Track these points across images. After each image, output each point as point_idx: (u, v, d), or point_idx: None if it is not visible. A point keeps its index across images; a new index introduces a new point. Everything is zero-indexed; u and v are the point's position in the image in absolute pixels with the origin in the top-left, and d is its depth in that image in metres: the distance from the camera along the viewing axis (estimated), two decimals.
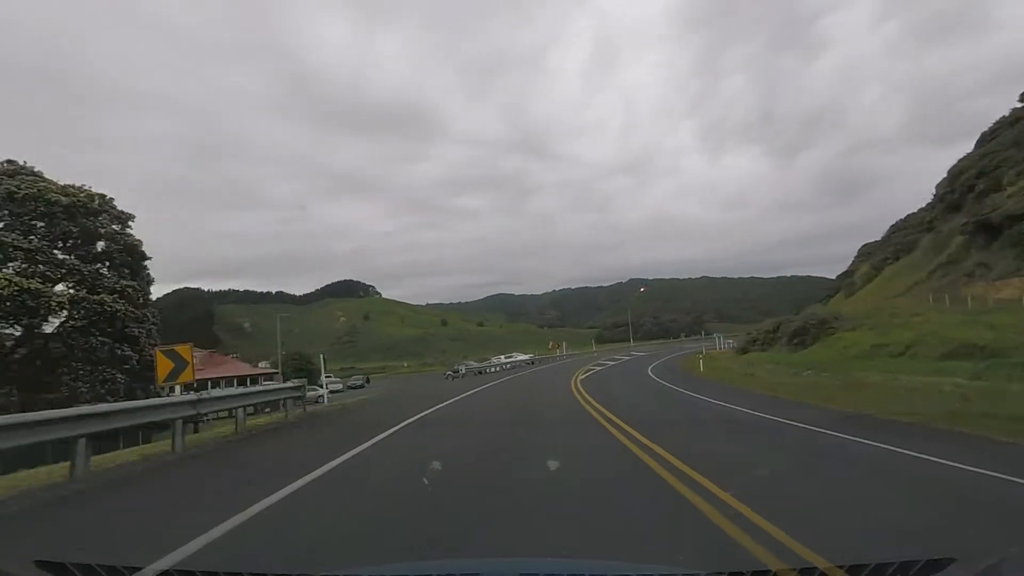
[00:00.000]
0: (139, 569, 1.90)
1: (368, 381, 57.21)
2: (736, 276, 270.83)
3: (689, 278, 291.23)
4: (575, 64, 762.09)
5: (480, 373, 38.39)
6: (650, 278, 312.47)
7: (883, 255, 41.21)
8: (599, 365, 35.66)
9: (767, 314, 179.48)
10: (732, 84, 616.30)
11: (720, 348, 45.29)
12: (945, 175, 39.19)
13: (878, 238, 55.74)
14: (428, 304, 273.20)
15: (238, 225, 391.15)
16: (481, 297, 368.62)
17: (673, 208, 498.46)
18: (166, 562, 3.56)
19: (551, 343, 61.15)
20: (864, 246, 54.23)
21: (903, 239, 38.82)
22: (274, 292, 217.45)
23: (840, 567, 1.67)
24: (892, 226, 52.18)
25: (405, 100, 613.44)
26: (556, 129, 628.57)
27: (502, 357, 51.11)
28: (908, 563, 1.61)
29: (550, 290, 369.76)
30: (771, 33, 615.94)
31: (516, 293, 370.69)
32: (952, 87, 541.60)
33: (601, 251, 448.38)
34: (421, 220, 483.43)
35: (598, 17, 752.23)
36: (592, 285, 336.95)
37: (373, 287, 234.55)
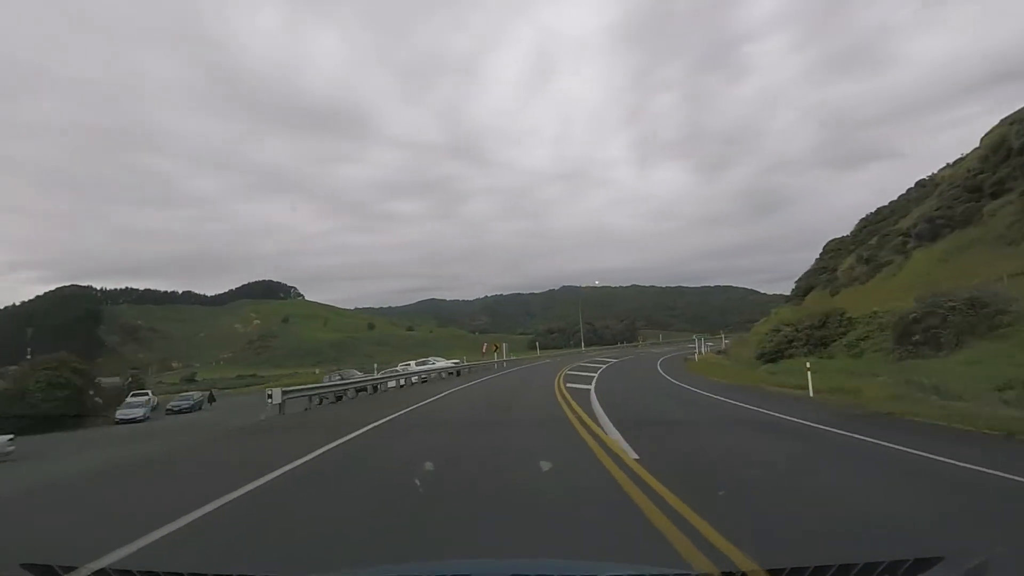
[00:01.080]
0: (129, 572, 1.81)
1: (213, 399, 43.19)
2: (664, 285, 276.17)
3: (620, 286, 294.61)
4: (512, 73, 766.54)
5: (339, 399, 20.87)
6: (581, 285, 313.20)
7: (898, 240, 36.02)
8: (612, 387, 19.42)
9: (694, 321, 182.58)
10: (663, 101, 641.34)
11: (701, 352, 40.57)
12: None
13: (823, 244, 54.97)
14: (357, 308, 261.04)
15: (147, 221, 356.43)
16: (413, 302, 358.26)
17: (605, 218, 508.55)
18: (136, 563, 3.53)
19: (485, 345, 46.61)
20: (831, 241, 52.40)
21: (947, 212, 32.20)
22: (180, 292, 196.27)
23: (829, 566, 1.61)
24: (862, 219, 50.16)
25: (340, 99, 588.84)
26: (491, 136, 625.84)
27: (412, 363, 34.65)
28: (897, 562, 1.59)
29: (482, 296, 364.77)
30: (699, 55, 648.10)
31: (448, 299, 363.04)
32: (854, 116, 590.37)
33: (534, 258, 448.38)
34: (353, 223, 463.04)
35: (537, 28, 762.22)
36: (524, 292, 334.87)
37: (295, 289, 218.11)
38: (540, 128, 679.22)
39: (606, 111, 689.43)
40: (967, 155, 40.83)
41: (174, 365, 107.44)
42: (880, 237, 39.52)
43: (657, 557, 3.53)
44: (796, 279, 54.93)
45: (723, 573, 2.08)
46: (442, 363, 33.74)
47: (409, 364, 34.51)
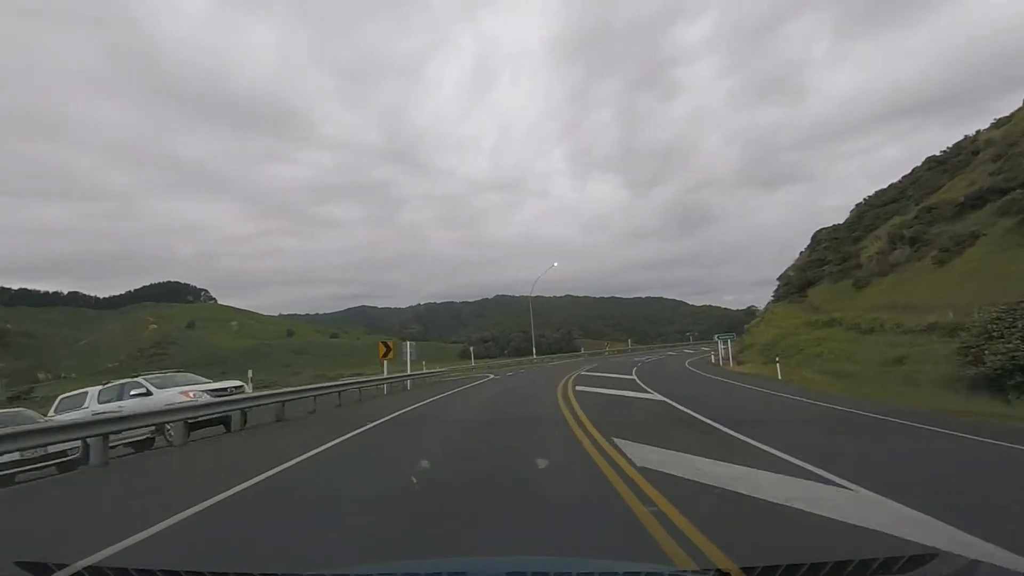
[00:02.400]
0: (124, 570, 1.74)
1: None
2: (597, 296, 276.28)
3: (554, 296, 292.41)
4: (454, 80, 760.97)
5: None
6: (516, 295, 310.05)
7: (950, 212, 30.67)
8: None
9: (628, 331, 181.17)
10: (599, 117, 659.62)
11: (721, 356, 34.99)
12: None
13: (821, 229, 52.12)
14: (281, 315, 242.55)
15: (42, 216, 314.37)
16: (342, 309, 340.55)
17: (540, 228, 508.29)
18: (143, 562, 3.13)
19: (383, 346, 25.37)
20: (821, 231, 49.32)
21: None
22: (66, 293, 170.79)
23: (823, 564, 1.61)
24: (860, 203, 46.99)
25: (273, 96, 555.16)
26: (431, 142, 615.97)
27: (172, 390, 13.05)
28: (891, 559, 1.58)
29: (415, 304, 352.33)
30: (635, 75, 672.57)
31: (379, 306, 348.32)
32: (773, 140, 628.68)
33: (468, 267, 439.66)
34: (282, 225, 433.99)
35: (481, 38, 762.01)
36: (457, 300, 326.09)
37: (207, 292, 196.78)
38: (480, 137, 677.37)
39: (544, 124, 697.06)
40: (1017, 111, 37.37)
41: (40, 376, 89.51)
42: (921, 211, 34.18)
43: None
44: (779, 276, 51.05)
45: (716, 571, 1.88)
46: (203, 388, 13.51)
47: (167, 390, 13.20)
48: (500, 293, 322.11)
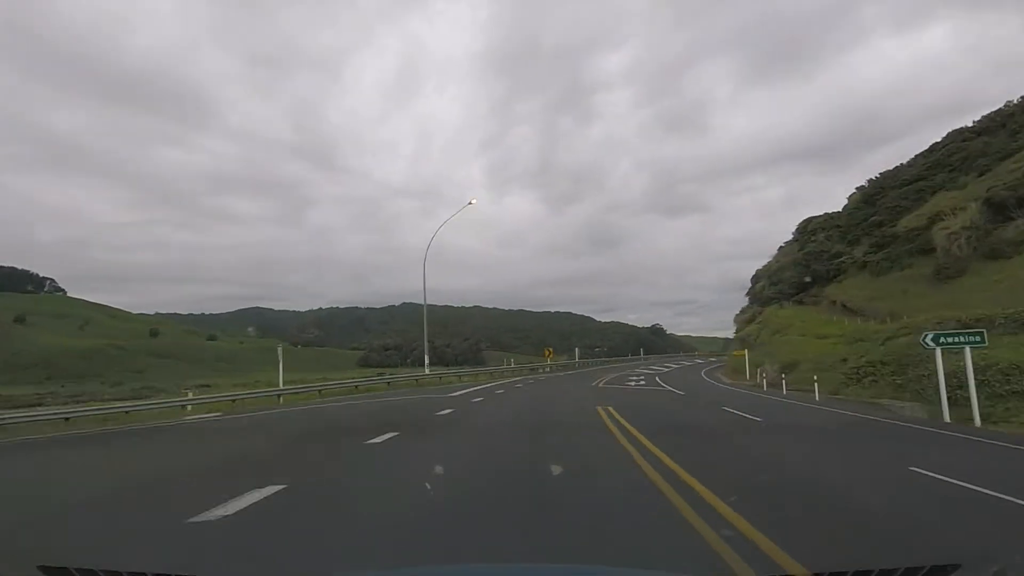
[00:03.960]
0: (143, 574, 1.83)
1: None
2: (507, 308, 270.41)
3: (463, 306, 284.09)
4: (376, 81, 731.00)
5: None
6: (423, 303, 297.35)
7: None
8: None
9: (537, 344, 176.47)
10: (520, 133, 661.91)
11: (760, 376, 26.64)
12: None
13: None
14: (159, 313, 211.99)
15: None
16: (233, 310, 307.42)
17: (454, 238, 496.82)
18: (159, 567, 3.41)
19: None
20: (808, 221, 46.07)
21: None
22: None
23: (843, 572, 1.57)
24: (859, 188, 44.72)
25: (169, 73, 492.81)
26: (347, 142, 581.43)
27: None
28: (913, 569, 1.54)
29: (316, 308, 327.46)
30: (557, 96, 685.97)
31: (276, 308, 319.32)
32: (678, 171, 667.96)
33: (378, 272, 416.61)
34: (171, 216, 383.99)
35: (407, 40, 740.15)
36: (362, 306, 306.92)
37: (52, 282, 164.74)
38: (399, 142, 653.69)
39: (465, 135, 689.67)
40: None
41: None
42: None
43: None
44: (752, 276, 47.21)
45: None
46: None
47: None
48: (407, 300, 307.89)
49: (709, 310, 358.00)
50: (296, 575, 3.22)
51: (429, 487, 6.15)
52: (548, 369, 48.11)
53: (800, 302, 41.99)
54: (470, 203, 30.68)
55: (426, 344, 39.19)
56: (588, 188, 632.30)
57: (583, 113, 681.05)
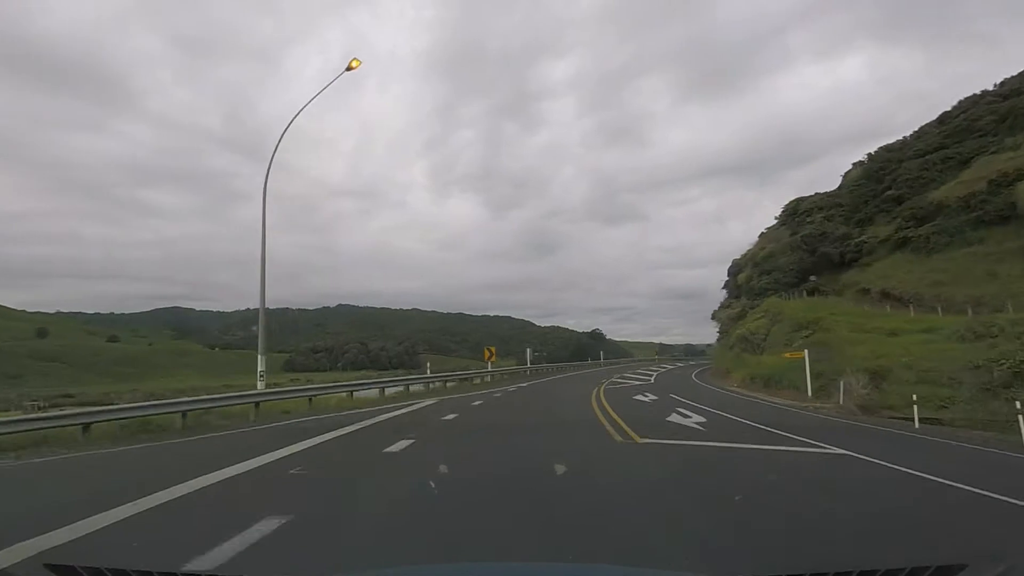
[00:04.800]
0: (149, 573, 1.82)
1: None
2: (445, 311, 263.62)
3: (400, 309, 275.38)
4: (316, 74, 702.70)
5: None
6: (361, 305, 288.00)
7: None
8: None
9: (475, 348, 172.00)
10: (464, 136, 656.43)
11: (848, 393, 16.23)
12: None
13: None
14: (60, 312, 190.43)
15: None
16: (148, 310, 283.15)
17: (394, 240, 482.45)
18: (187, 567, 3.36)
19: None
20: (796, 202, 43.14)
21: None
22: None
23: (848, 573, 1.57)
24: (855, 164, 41.81)
25: (84, 49, 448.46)
26: (283, 137, 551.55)
27: None
28: (918, 569, 1.53)
29: (243, 309, 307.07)
30: (502, 101, 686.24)
31: (199, 309, 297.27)
32: (617, 181, 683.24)
33: (313, 273, 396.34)
34: (81, 208, 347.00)
35: (351, 35, 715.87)
36: (294, 307, 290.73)
37: None
38: (339, 138, 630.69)
39: (408, 135, 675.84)
40: None
41: None
42: None
43: None
44: (730, 267, 45.37)
45: None
46: None
47: None
48: (343, 302, 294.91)
49: (645, 316, 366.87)
50: (297, 575, 3.23)
51: None
52: (488, 379, 33.59)
53: (812, 292, 35.58)
54: (351, 67, 19.38)
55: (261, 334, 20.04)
56: (530, 194, 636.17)
57: (527, 119, 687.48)
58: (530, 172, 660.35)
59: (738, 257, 53.58)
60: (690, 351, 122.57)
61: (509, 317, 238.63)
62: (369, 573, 2.77)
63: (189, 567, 3.37)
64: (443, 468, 7.14)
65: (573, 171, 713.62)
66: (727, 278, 54.77)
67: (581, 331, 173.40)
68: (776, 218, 52.94)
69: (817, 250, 38.61)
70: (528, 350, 47.48)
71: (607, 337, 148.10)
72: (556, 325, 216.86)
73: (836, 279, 36.96)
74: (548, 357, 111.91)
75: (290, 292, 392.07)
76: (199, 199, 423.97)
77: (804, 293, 36.53)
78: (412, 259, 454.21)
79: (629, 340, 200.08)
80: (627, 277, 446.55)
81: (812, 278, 37.77)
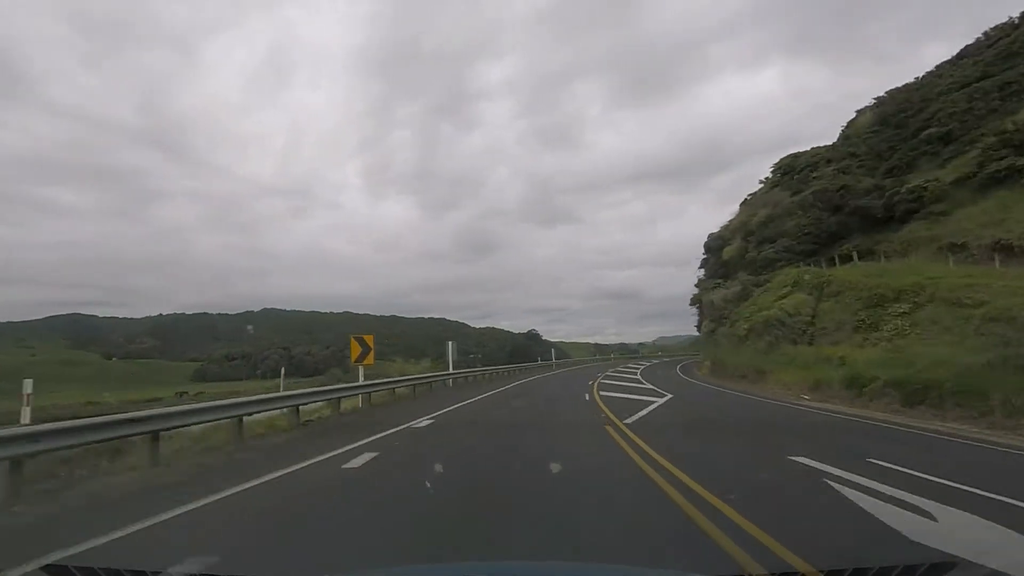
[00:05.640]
0: (142, 573, 1.73)
1: None
2: (379, 314, 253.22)
3: (331, 312, 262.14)
4: (241, 67, 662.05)
5: None
6: (288, 309, 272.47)
7: None
8: None
9: (408, 351, 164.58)
10: (400, 136, 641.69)
11: None
12: None
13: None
14: None
15: None
16: (42, 317, 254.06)
17: (326, 241, 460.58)
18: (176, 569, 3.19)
19: None
20: (786, 158, 38.48)
21: None
22: None
23: (840, 571, 1.54)
24: (858, 111, 37.02)
25: None
26: (204, 132, 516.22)
27: None
28: (911, 567, 1.52)
29: (156, 314, 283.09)
30: (438, 101, 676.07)
31: (104, 315, 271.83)
32: (553, 183, 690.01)
33: (238, 275, 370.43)
34: None
35: (280, 26, 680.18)
36: (213, 312, 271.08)
37: None
38: (266, 136, 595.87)
39: (341, 134, 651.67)
40: None
41: None
42: None
43: None
44: (706, 242, 39.26)
45: None
46: None
47: None
48: (268, 306, 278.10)
49: (579, 317, 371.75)
50: (295, 574, 3.13)
51: None
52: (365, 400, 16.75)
53: (850, 256, 28.88)
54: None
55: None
56: (466, 195, 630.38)
57: (464, 120, 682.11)
58: (466, 173, 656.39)
59: (715, 231, 46.60)
60: (624, 350, 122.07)
61: (444, 319, 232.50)
62: (368, 573, 2.73)
63: (180, 568, 3.20)
64: None
65: (509, 173, 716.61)
66: (704, 255, 47.61)
67: (517, 332, 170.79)
68: (763, 181, 46.01)
69: (843, 207, 31.78)
70: (450, 344, 30.19)
71: (543, 338, 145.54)
72: (491, 326, 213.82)
73: (884, 238, 29.81)
74: (484, 359, 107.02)
75: (210, 296, 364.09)
76: (109, 197, 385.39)
77: (835, 261, 29.32)
78: (345, 261, 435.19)
79: (564, 340, 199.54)
80: (562, 278, 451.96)
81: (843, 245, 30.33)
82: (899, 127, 35.76)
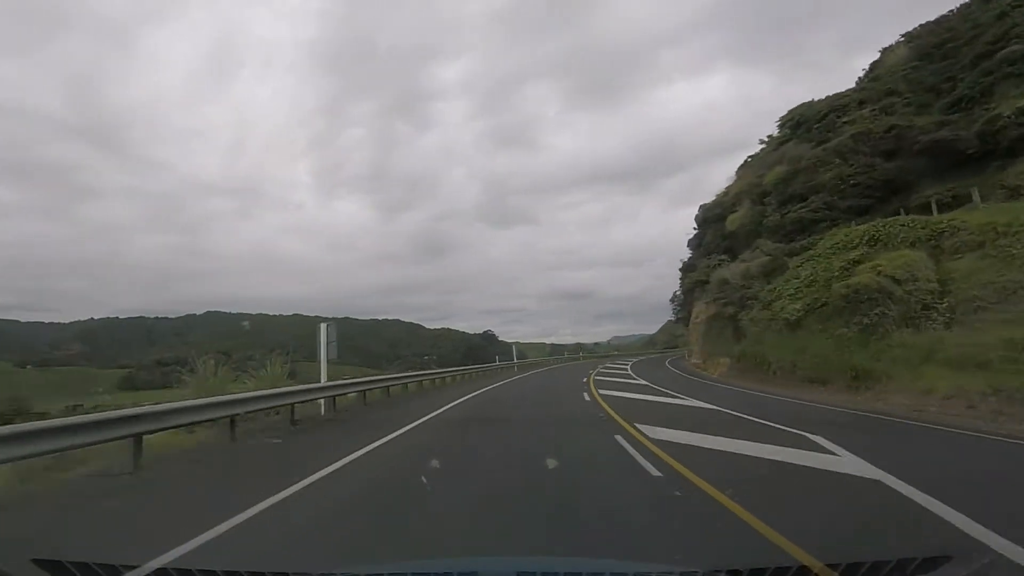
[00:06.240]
0: (135, 567, 1.78)
1: None
2: (331, 316, 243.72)
3: (280, 315, 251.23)
4: (182, 58, 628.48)
5: None
6: (232, 312, 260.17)
7: None
8: None
9: (358, 352, 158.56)
10: (353, 135, 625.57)
11: None
12: None
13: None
14: None
15: None
16: None
17: (275, 242, 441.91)
18: (162, 560, 3.33)
19: None
20: (787, 115, 33.95)
21: None
22: None
23: (836, 565, 1.55)
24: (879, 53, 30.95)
25: None
26: (142, 126, 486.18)
27: None
28: (905, 561, 1.53)
29: (86, 318, 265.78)
30: (393, 100, 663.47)
31: (26, 320, 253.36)
32: (508, 184, 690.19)
33: (179, 278, 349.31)
34: None
35: (224, 18, 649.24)
36: (150, 316, 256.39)
37: None
38: (209, 131, 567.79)
39: (291, 131, 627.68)
40: None
41: None
42: None
43: None
44: (697, 215, 35.70)
45: (729, 571, 1.78)
46: None
47: None
48: (212, 309, 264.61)
49: (536, 317, 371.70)
50: (295, 574, 3.00)
51: None
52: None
53: (927, 205, 22.12)
54: None
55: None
56: (422, 196, 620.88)
57: (419, 120, 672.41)
58: (421, 174, 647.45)
59: (708, 202, 40.73)
60: (583, 349, 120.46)
61: (398, 320, 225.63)
62: (369, 570, 2.59)
63: (174, 561, 3.26)
64: None
65: (466, 174, 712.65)
66: (695, 229, 41.63)
67: (473, 333, 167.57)
68: (765, 140, 40.06)
69: (900, 149, 26.29)
70: (322, 328, 17.35)
71: (499, 339, 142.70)
72: (447, 327, 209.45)
73: (980, 180, 22.90)
74: (439, 360, 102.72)
75: (149, 299, 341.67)
76: (33, 194, 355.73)
77: (903, 213, 22.71)
78: (295, 263, 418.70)
79: (520, 341, 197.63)
80: (518, 279, 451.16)
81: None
82: (947, 58, 30.19)
